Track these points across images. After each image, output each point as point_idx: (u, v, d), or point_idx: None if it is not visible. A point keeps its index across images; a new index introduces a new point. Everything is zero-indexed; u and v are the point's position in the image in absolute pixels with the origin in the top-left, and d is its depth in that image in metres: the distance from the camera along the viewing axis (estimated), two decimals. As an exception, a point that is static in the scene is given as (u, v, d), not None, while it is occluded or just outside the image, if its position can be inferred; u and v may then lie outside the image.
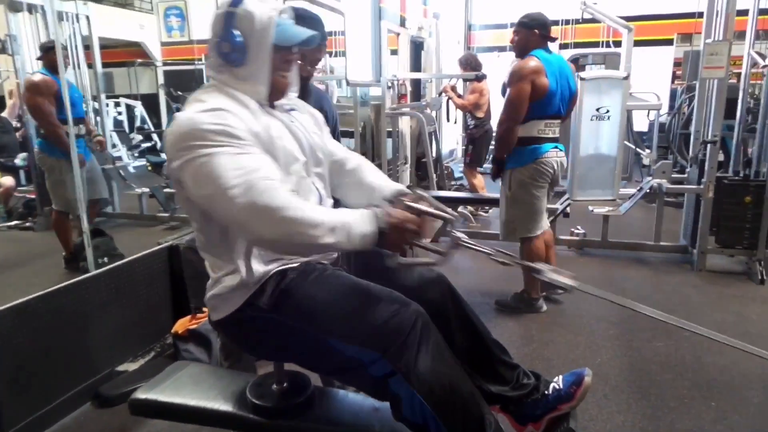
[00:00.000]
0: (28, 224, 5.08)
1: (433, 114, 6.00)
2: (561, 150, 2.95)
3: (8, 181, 5.21)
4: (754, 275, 3.49)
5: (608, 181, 5.84)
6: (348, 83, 4.75)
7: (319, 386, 1.53)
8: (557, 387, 1.45)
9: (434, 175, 5.36)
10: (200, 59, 9.05)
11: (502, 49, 9.47)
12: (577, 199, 5.83)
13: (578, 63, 6.70)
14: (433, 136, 5.80)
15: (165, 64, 10.02)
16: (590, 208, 4.16)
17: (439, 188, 5.83)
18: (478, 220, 5.24)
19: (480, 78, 5.08)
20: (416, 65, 6.78)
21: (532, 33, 2.84)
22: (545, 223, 3.06)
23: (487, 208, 5.37)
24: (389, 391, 1.21)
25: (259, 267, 1.26)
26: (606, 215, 4.06)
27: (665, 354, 2.59)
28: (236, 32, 1.21)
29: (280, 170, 1.24)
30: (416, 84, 6.69)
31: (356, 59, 5.07)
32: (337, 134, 2.01)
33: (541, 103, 2.78)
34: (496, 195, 5.15)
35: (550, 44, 2.93)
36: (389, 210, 1.19)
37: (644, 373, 2.43)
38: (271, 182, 1.13)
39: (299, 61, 1.59)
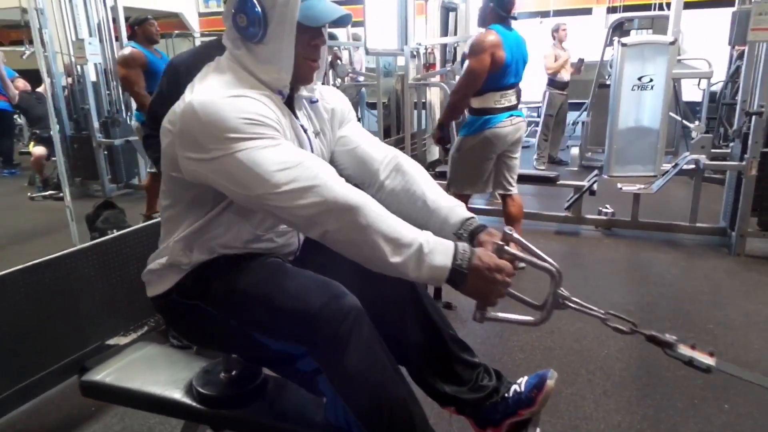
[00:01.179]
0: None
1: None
2: (518, 116, 3.05)
3: (39, 150, 5.37)
4: (798, 262, 3.16)
5: (650, 156, 5.47)
6: (367, 52, 4.57)
7: (271, 375, 1.46)
8: (518, 390, 1.31)
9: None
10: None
11: (545, 14, 8.98)
12: (615, 174, 5.51)
13: (623, 28, 6.22)
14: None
15: (203, 35, 10.06)
16: (618, 185, 3.86)
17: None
18: (503, 196, 5.01)
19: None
20: (446, 31, 6.48)
21: (489, 8, 2.96)
22: (481, 188, 3.20)
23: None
24: (318, 388, 1.11)
25: (200, 255, 1.17)
26: (637, 194, 3.76)
27: (682, 348, 2.37)
28: (256, 3, 1.04)
29: None
30: (444, 51, 6.41)
31: (377, 26, 4.87)
32: None
33: (497, 75, 2.88)
34: (529, 171, 4.93)
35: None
36: (479, 251, 1.02)
37: (654, 368, 2.23)
38: (334, 176, 1.01)
39: None
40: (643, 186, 3.77)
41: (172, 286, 1.18)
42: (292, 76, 1.11)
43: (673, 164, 3.81)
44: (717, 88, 6.24)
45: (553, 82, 6.16)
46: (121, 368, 1.52)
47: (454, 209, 1.23)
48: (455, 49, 5.67)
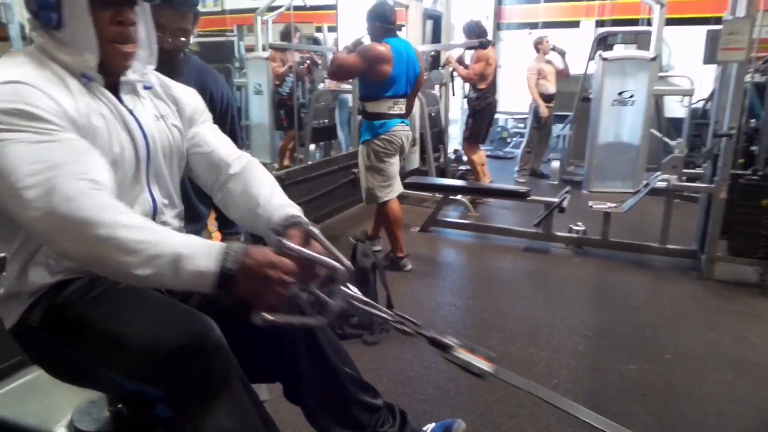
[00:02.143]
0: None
1: (437, 91, 5.61)
2: (407, 125, 3.38)
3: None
4: (767, 289, 3.06)
5: (629, 173, 5.39)
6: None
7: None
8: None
9: (433, 161, 5.02)
10: (232, 30, 8.91)
11: (533, 25, 8.91)
12: (594, 190, 5.43)
13: (607, 42, 6.15)
14: (436, 116, 5.44)
15: (199, 35, 9.93)
16: (590, 203, 3.76)
17: (441, 174, 5.51)
18: (477, 209, 4.91)
19: (485, 45, 4.68)
20: (436, 41, 6.39)
21: (375, 25, 3.18)
22: (398, 187, 3.46)
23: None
24: None
25: (37, 276, 1.04)
26: (607, 212, 3.66)
27: (635, 379, 2.26)
28: None
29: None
30: (435, 61, 6.32)
31: (353, 32, 4.78)
32: (232, 119, 1.75)
33: (385, 84, 3.15)
34: (501, 185, 4.85)
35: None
36: (251, 249, 0.91)
37: (603, 400, 2.12)
38: (84, 183, 0.88)
39: (158, 32, 1.36)
40: (613, 204, 3.67)
41: (18, 318, 1.05)
42: (103, 60, 1.02)
43: (645, 183, 3.71)
44: (701, 105, 6.18)
45: (540, 96, 6.07)
46: (5, 395, 1.40)
47: (283, 208, 1.14)
48: (433, 58, 5.56)
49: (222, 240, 1.86)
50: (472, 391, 2.16)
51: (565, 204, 3.71)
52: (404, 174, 5.61)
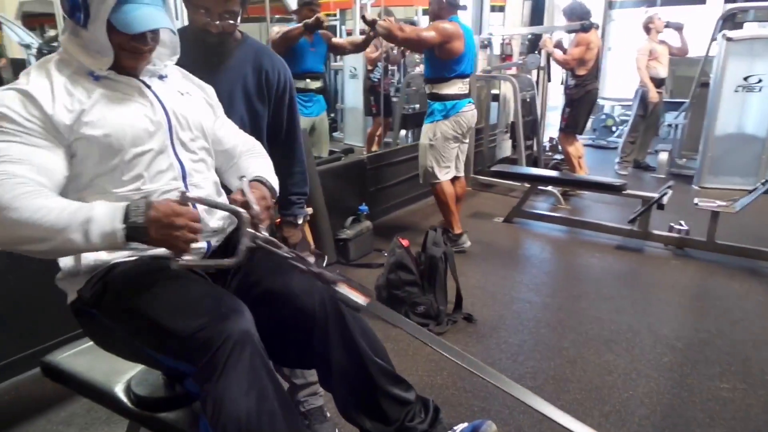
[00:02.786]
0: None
1: (534, 76, 5.33)
2: (473, 104, 3.43)
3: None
4: None
5: (751, 168, 4.82)
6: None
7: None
8: (455, 439, 1.14)
9: (524, 149, 4.79)
10: (335, 14, 9.11)
11: (651, 3, 8.15)
12: (706, 186, 4.93)
13: (735, 20, 5.47)
14: (531, 102, 5.19)
15: (326, 15, 10.21)
16: (695, 200, 3.39)
17: (534, 163, 5.26)
18: (569, 201, 4.63)
19: (586, 28, 4.34)
20: (537, 23, 6.08)
21: (441, 3, 3.17)
22: (455, 169, 3.49)
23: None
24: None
25: (92, 256, 1.13)
26: (715, 211, 3.28)
27: (726, 400, 2.02)
28: None
29: (97, 148, 1.08)
30: (534, 43, 6.02)
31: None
32: (290, 100, 1.75)
33: (455, 62, 3.18)
34: (593, 176, 4.54)
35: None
36: (154, 202, 1.00)
37: (684, 419, 1.92)
38: (9, 176, 0.97)
39: (205, 17, 1.42)
40: (723, 203, 3.28)
41: (76, 295, 1.14)
42: (117, 62, 1.12)
43: (763, 181, 3.27)
44: None
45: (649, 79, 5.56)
46: (81, 352, 1.52)
47: (250, 168, 1.30)
48: (530, 41, 5.29)
49: (280, 224, 1.89)
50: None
51: (665, 200, 3.38)
52: (494, 162, 5.46)
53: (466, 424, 1.17)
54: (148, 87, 1.18)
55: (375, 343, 1.21)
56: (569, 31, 4.61)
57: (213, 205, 1.12)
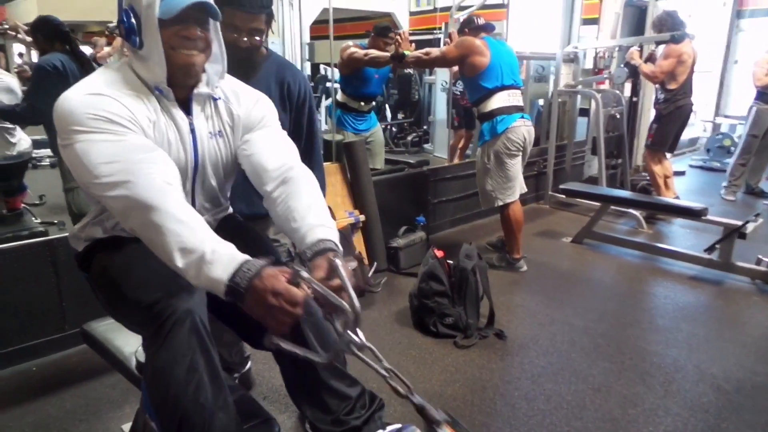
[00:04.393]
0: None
1: (627, 90, 5.04)
2: (528, 119, 3.26)
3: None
4: None
5: None
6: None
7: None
8: (377, 437, 1.19)
9: (604, 167, 4.54)
10: (440, 28, 9.29)
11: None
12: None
13: None
14: (618, 118, 4.90)
15: (412, 34, 10.52)
16: (785, 231, 3.02)
17: (620, 184, 4.96)
18: (653, 226, 4.31)
19: (677, 39, 4.03)
20: (640, 33, 5.74)
21: (464, 33, 3.30)
22: (519, 188, 3.35)
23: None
24: None
25: (93, 231, 1.31)
26: (809, 244, 2.90)
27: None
28: (129, 13, 1.15)
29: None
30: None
31: (524, 27, 4.61)
32: (310, 111, 1.89)
33: (486, 75, 3.12)
34: (670, 200, 4.20)
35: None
36: (265, 271, 0.99)
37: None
38: (153, 175, 1.06)
39: (233, 33, 1.56)
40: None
41: (76, 253, 1.34)
42: (172, 70, 1.16)
43: None
44: None
45: (763, 96, 5.02)
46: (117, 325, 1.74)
47: (314, 230, 1.16)
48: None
49: None
50: (544, 417, 1.99)
51: (748, 229, 3.05)
52: (582, 180, 5.23)
53: (398, 425, 1.21)
54: (191, 125, 1.24)
55: (324, 338, 1.29)
56: (658, 43, 4.31)
57: (322, 296, 1.04)
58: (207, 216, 1.35)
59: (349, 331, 1.04)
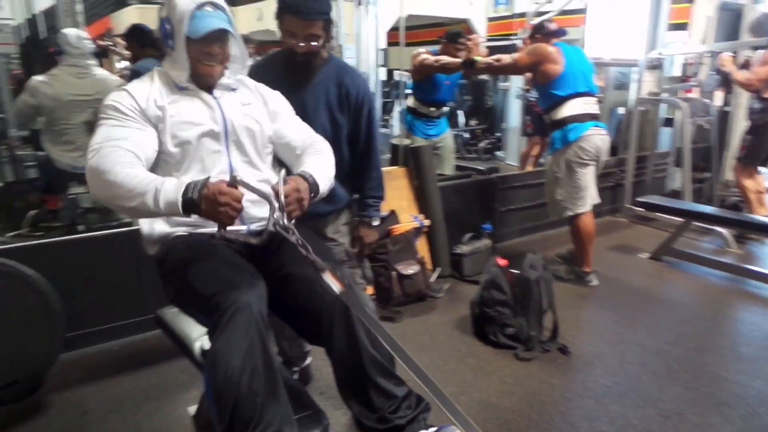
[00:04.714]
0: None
1: (714, 99, 4.70)
2: (602, 128, 3.14)
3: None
4: None
5: None
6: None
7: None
8: (419, 437, 1.19)
9: (689, 181, 4.26)
10: (516, 33, 9.16)
11: None
12: None
13: None
14: (707, 129, 4.59)
15: (489, 39, 10.43)
16: None
17: (707, 199, 4.63)
18: (744, 245, 3.99)
19: (775, 44, 3.70)
20: (734, 38, 5.36)
21: (535, 39, 3.20)
22: (592, 199, 3.20)
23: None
24: None
25: (160, 227, 1.43)
26: None
27: None
28: (166, 23, 1.39)
29: (164, 141, 1.38)
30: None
31: (604, 33, 4.43)
32: (368, 114, 1.90)
33: (559, 82, 3.03)
34: (758, 218, 3.86)
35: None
36: (209, 182, 1.20)
37: None
38: (118, 148, 1.27)
39: (291, 39, 1.64)
40: None
41: (155, 255, 1.46)
42: (195, 74, 1.42)
43: None
44: None
45: None
46: (173, 311, 1.83)
47: (305, 167, 1.42)
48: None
49: (358, 224, 2.04)
50: None
51: None
52: (663, 193, 4.94)
53: (437, 427, 1.21)
54: (215, 99, 1.46)
55: (374, 336, 1.30)
56: (754, 48, 3.99)
57: (252, 190, 1.26)
58: (242, 172, 1.46)
59: (276, 215, 1.25)
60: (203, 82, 1.45)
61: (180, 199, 1.18)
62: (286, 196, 1.24)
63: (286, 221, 1.28)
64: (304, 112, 1.70)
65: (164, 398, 2.10)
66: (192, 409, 1.90)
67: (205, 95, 1.46)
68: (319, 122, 1.79)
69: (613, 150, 5.30)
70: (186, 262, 1.33)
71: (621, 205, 4.75)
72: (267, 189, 1.27)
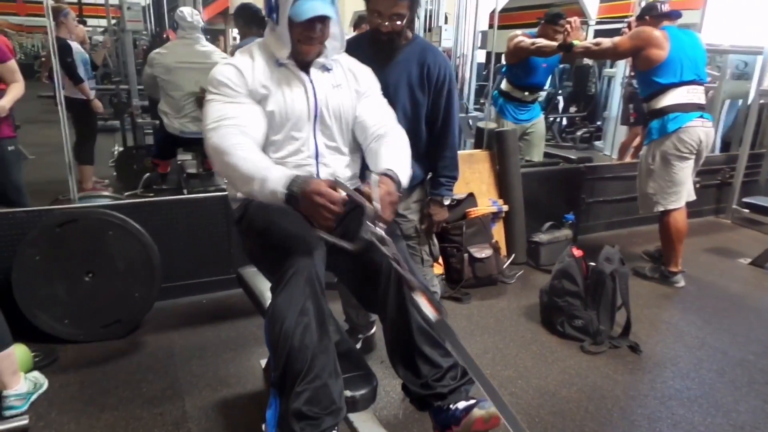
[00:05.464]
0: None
1: None
2: (708, 119, 2.94)
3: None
4: None
5: None
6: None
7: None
8: (459, 407, 1.24)
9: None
10: (629, 15, 8.62)
11: None
12: None
13: None
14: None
15: (598, 22, 9.88)
16: None
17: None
18: None
19: None
20: None
21: (644, 20, 3.04)
22: (686, 195, 3.04)
23: None
24: None
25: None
26: None
27: None
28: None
29: (267, 119, 1.44)
30: None
31: (726, 15, 4.05)
32: (448, 94, 1.92)
33: (662, 69, 2.86)
34: None
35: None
36: (312, 179, 1.25)
37: None
38: (233, 128, 1.35)
39: (376, 18, 1.70)
40: None
41: (235, 213, 1.59)
42: (295, 51, 1.45)
43: None
44: None
45: None
46: (253, 270, 1.98)
47: (386, 163, 1.40)
48: None
49: (429, 201, 2.07)
50: (664, 441, 1.83)
51: None
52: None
53: (477, 400, 1.25)
54: (311, 81, 1.49)
55: (423, 312, 1.34)
56: None
57: (350, 194, 1.27)
58: (329, 159, 1.54)
59: (370, 223, 1.24)
60: (302, 59, 1.48)
61: (283, 191, 1.25)
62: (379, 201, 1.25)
63: (381, 230, 1.26)
64: (386, 90, 1.73)
65: (241, 350, 2.31)
66: (263, 362, 2.08)
67: (303, 75, 1.49)
68: (399, 101, 1.84)
69: (726, 145, 4.89)
70: (260, 222, 1.45)
71: (726, 206, 4.38)
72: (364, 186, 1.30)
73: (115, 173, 4.66)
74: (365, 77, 1.62)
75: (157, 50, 3.58)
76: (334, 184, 1.23)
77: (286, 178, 1.25)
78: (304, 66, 1.49)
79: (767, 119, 4.63)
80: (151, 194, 3.71)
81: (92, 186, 4.22)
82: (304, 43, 1.43)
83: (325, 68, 1.53)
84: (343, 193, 1.24)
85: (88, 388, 2.01)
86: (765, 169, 4.42)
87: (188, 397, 1.98)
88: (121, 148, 4.90)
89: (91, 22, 8.58)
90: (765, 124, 4.63)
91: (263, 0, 1.50)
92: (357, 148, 1.63)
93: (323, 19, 1.41)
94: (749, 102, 4.40)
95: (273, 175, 1.26)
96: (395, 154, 1.47)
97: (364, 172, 1.58)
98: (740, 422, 1.94)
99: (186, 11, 3.48)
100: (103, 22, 7.56)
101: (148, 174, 4.12)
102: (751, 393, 2.12)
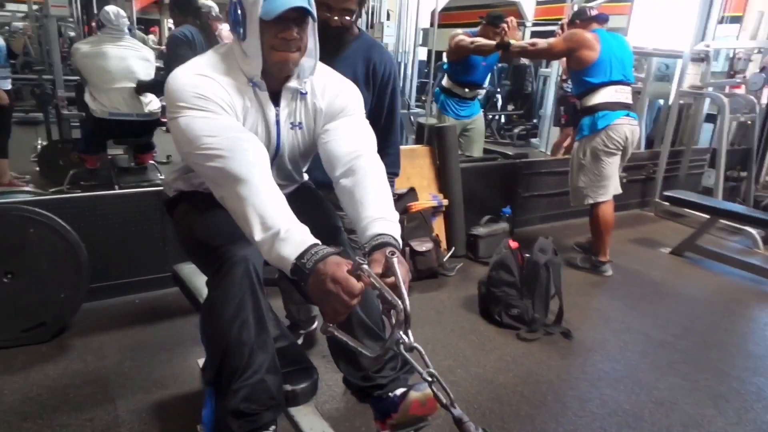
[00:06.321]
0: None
1: (762, 97, 4.51)
2: (634, 118, 3.11)
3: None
4: None
5: None
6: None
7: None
8: (396, 394, 1.26)
9: (722, 179, 4.14)
10: (563, 18, 8.92)
11: None
12: None
13: None
14: (749, 127, 4.43)
15: (535, 24, 10.22)
16: None
17: (743, 199, 4.49)
18: (773, 246, 3.88)
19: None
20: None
21: (575, 24, 3.23)
22: (614, 188, 3.19)
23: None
24: None
25: (179, 184, 1.47)
26: None
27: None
28: (237, 6, 1.22)
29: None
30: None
31: (651, 21, 4.30)
32: (392, 92, 1.94)
33: (593, 69, 3.01)
34: None
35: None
36: (330, 257, 1.04)
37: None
38: (247, 152, 1.15)
39: (325, 12, 1.64)
40: None
41: (165, 199, 1.53)
42: (268, 65, 1.23)
43: None
44: None
45: None
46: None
47: (376, 222, 1.19)
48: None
49: None
50: (593, 420, 1.93)
51: None
52: (697, 191, 4.82)
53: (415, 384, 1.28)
54: (277, 123, 1.32)
55: (366, 301, 1.32)
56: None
57: (379, 288, 1.04)
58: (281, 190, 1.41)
59: (399, 331, 1.03)
60: (275, 75, 1.27)
61: (292, 262, 1.05)
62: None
63: (411, 338, 1.04)
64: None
65: (177, 350, 2.23)
66: (201, 361, 2.02)
67: (269, 108, 1.31)
68: None
69: (650, 143, 5.19)
70: (194, 212, 1.38)
71: (650, 199, 4.66)
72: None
73: (38, 168, 4.37)
74: (345, 96, 1.40)
75: (79, 42, 3.42)
76: (357, 269, 1.02)
77: (304, 245, 1.06)
78: (276, 91, 1.31)
79: (686, 119, 4.96)
80: (79, 191, 3.53)
81: (10, 181, 3.95)
82: (279, 49, 1.21)
83: (299, 93, 1.34)
84: (366, 283, 1.02)
85: (7, 396, 1.88)
86: (684, 165, 4.73)
87: (120, 401, 1.89)
88: (44, 142, 4.61)
89: (10, 6, 8.00)
90: (684, 123, 4.95)
91: (228, 14, 1.28)
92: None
93: (300, 20, 1.22)
94: (670, 102, 4.70)
95: (291, 235, 1.07)
96: (382, 201, 1.25)
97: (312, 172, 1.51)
98: (660, 398, 2.07)
99: (111, 11, 3.33)
100: (24, 7, 7.08)
101: (74, 170, 3.91)
102: (671, 371, 2.27)
